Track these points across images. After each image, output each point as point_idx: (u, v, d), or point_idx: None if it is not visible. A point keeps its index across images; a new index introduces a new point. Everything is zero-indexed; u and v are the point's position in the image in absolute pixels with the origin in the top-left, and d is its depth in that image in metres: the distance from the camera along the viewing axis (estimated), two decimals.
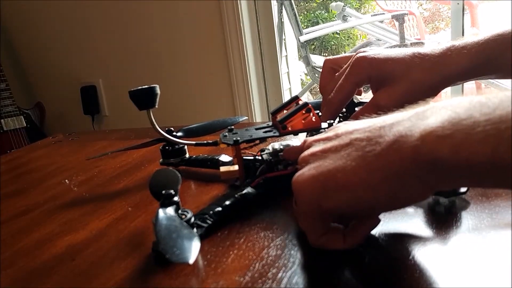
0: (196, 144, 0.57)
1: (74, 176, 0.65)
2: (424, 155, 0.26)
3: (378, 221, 0.34)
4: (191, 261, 0.31)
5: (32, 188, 0.63)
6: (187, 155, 0.58)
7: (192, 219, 0.38)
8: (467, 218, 0.37)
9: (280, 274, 0.32)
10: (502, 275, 0.29)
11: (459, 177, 0.26)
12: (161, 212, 0.36)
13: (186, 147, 0.58)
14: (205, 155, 0.58)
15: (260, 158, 0.48)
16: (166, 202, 0.38)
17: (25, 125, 2.20)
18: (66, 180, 0.64)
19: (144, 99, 0.52)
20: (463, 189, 0.39)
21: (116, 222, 0.46)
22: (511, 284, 0.28)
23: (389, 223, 0.37)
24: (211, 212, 0.41)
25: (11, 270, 0.39)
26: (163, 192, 0.39)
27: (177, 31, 1.96)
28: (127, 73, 2.15)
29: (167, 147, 0.57)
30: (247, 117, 0.76)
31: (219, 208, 0.41)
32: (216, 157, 0.56)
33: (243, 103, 1.93)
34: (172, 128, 0.58)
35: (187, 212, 0.38)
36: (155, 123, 0.54)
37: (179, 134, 0.59)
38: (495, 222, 0.36)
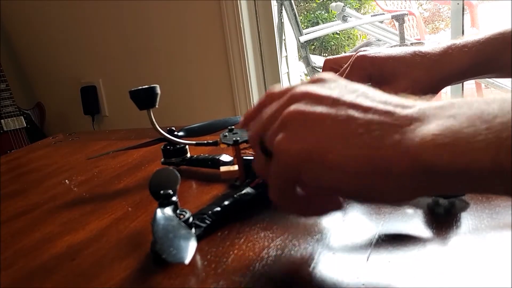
0: (197, 144, 0.57)
1: (74, 176, 0.65)
2: (422, 161, 0.26)
3: (341, 206, 0.33)
4: (187, 261, 0.31)
5: (32, 188, 0.63)
6: (188, 155, 0.58)
7: (191, 219, 0.38)
8: (467, 219, 0.37)
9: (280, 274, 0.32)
10: (502, 275, 0.29)
11: (455, 184, 0.26)
12: (159, 212, 0.36)
13: (187, 146, 0.58)
14: (206, 155, 0.58)
15: None
16: (164, 202, 0.38)
17: (25, 125, 2.20)
18: (66, 180, 0.64)
19: (144, 98, 0.52)
20: None
21: (116, 222, 0.46)
22: (511, 284, 0.28)
23: (389, 223, 0.37)
24: (209, 212, 0.41)
25: (11, 270, 0.39)
26: (161, 192, 0.39)
27: (177, 31, 1.96)
28: (127, 73, 2.15)
29: (168, 147, 0.57)
30: None
31: (218, 208, 0.41)
32: (217, 157, 0.56)
33: (243, 103, 1.93)
34: (173, 128, 0.58)
35: (185, 212, 0.38)
36: (155, 122, 0.54)
37: (180, 133, 0.59)
38: (495, 222, 0.36)
